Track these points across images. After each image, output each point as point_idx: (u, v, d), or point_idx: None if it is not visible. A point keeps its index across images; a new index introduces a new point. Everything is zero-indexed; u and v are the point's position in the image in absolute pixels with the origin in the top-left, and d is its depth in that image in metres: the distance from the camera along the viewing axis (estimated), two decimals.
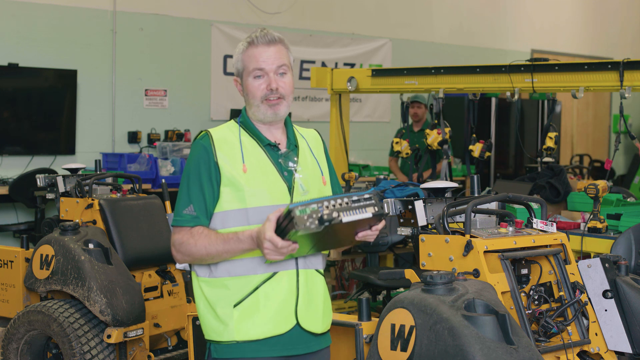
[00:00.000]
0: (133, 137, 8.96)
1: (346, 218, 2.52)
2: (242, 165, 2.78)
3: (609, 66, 5.25)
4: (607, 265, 3.19)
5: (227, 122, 2.94)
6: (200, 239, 2.73)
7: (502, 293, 2.99)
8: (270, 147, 2.85)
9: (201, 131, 2.89)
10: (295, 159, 2.87)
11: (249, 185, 2.76)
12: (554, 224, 3.26)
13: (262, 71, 2.81)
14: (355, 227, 2.64)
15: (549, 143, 5.78)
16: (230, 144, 2.82)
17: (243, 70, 2.84)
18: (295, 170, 2.84)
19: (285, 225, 2.52)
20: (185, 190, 2.80)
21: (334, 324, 2.97)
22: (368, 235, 2.67)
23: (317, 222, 2.48)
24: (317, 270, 2.85)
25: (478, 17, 12.55)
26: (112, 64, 8.85)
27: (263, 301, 2.75)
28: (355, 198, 2.57)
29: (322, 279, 2.88)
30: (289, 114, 2.96)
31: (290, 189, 2.80)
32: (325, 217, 2.49)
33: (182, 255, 2.79)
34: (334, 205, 2.52)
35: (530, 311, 3.07)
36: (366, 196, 2.59)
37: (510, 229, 3.19)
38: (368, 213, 2.57)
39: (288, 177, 2.82)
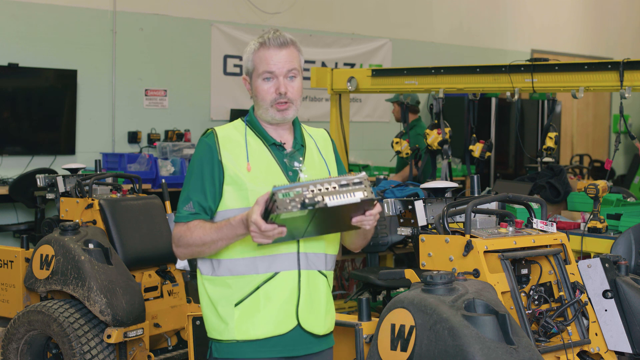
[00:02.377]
0: (133, 137, 8.96)
1: (331, 202, 2.45)
2: (246, 164, 2.79)
3: (609, 66, 5.25)
4: (607, 265, 3.19)
5: (234, 121, 2.94)
6: (196, 230, 2.74)
7: (502, 293, 2.99)
8: (275, 147, 2.85)
9: (208, 129, 2.89)
10: (301, 158, 2.87)
11: (252, 184, 2.76)
12: (554, 224, 3.26)
13: (271, 74, 2.81)
14: (347, 212, 2.57)
15: (549, 143, 5.78)
16: (235, 143, 2.82)
17: (253, 70, 2.84)
18: (300, 170, 2.84)
19: (270, 208, 2.48)
20: (187, 187, 2.82)
21: (335, 324, 2.97)
22: (363, 220, 2.61)
23: (299, 205, 2.43)
24: (320, 272, 2.84)
25: (478, 17, 12.55)
26: (112, 64, 8.85)
27: (263, 301, 2.75)
28: (343, 182, 2.50)
29: (325, 280, 2.86)
30: None
31: None
32: (307, 201, 2.43)
33: (181, 249, 2.81)
34: (319, 190, 2.45)
35: (530, 311, 3.07)
36: (356, 180, 2.51)
37: (510, 229, 3.19)
38: (356, 198, 2.49)
39: (292, 177, 2.82)
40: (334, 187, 2.48)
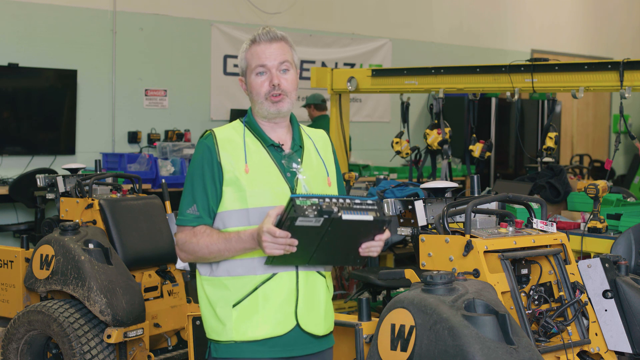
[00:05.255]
0: (133, 137, 8.96)
1: (346, 216, 2.52)
2: (244, 165, 2.79)
3: (609, 66, 5.25)
4: (607, 265, 3.19)
5: (233, 121, 2.95)
6: (202, 237, 2.75)
7: (502, 293, 2.99)
8: (273, 148, 2.86)
9: (206, 130, 2.90)
10: (299, 160, 2.87)
11: (250, 186, 2.77)
12: (554, 224, 3.26)
13: (264, 67, 2.82)
14: (358, 237, 2.63)
15: (549, 143, 5.78)
16: (233, 144, 2.83)
17: (247, 68, 2.86)
18: (299, 171, 2.84)
19: (285, 218, 2.53)
20: (189, 190, 2.82)
21: (334, 324, 2.97)
22: (372, 247, 2.66)
23: (316, 212, 2.49)
24: (318, 272, 2.84)
25: (478, 17, 12.55)
26: (112, 64, 8.85)
27: (262, 302, 2.75)
28: (358, 201, 2.57)
29: (324, 281, 2.87)
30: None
31: (293, 190, 2.80)
32: (324, 208, 2.50)
33: (185, 254, 2.81)
34: (335, 203, 2.53)
35: (530, 311, 3.07)
36: (369, 202, 2.59)
37: (510, 229, 3.19)
38: (369, 216, 2.56)
39: (290, 178, 2.82)
40: (349, 204, 2.55)
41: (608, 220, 5.14)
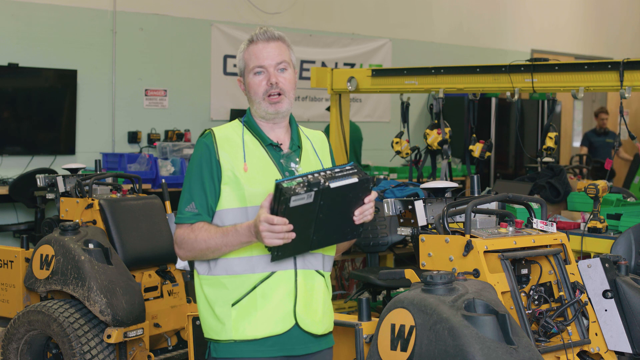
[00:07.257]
0: (133, 137, 8.96)
1: (333, 184, 2.57)
2: (243, 164, 2.79)
3: (609, 66, 5.25)
4: (607, 265, 3.19)
5: (232, 121, 2.95)
6: (200, 233, 2.75)
7: (502, 293, 2.99)
8: (272, 147, 2.86)
9: (205, 130, 2.90)
10: (297, 159, 2.88)
11: (249, 184, 2.77)
12: (554, 224, 3.26)
13: (262, 67, 2.83)
14: (349, 205, 2.65)
15: (549, 143, 5.78)
16: (232, 143, 2.83)
17: (244, 68, 2.87)
18: (297, 170, 2.85)
19: (278, 203, 2.54)
20: (188, 188, 2.82)
21: (334, 324, 2.97)
22: (365, 211, 2.67)
23: (305, 188, 2.53)
24: (317, 271, 2.84)
25: (478, 17, 12.55)
26: (112, 64, 8.85)
27: (260, 300, 2.75)
28: (337, 170, 2.62)
29: (323, 280, 2.86)
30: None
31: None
32: (312, 181, 2.54)
33: (184, 251, 2.81)
34: (319, 176, 2.58)
35: (530, 311, 3.07)
36: (348, 167, 2.63)
37: (510, 229, 3.19)
38: (354, 178, 2.60)
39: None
40: (330, 174, 2.60)
41: (608, 220, 5.14)
